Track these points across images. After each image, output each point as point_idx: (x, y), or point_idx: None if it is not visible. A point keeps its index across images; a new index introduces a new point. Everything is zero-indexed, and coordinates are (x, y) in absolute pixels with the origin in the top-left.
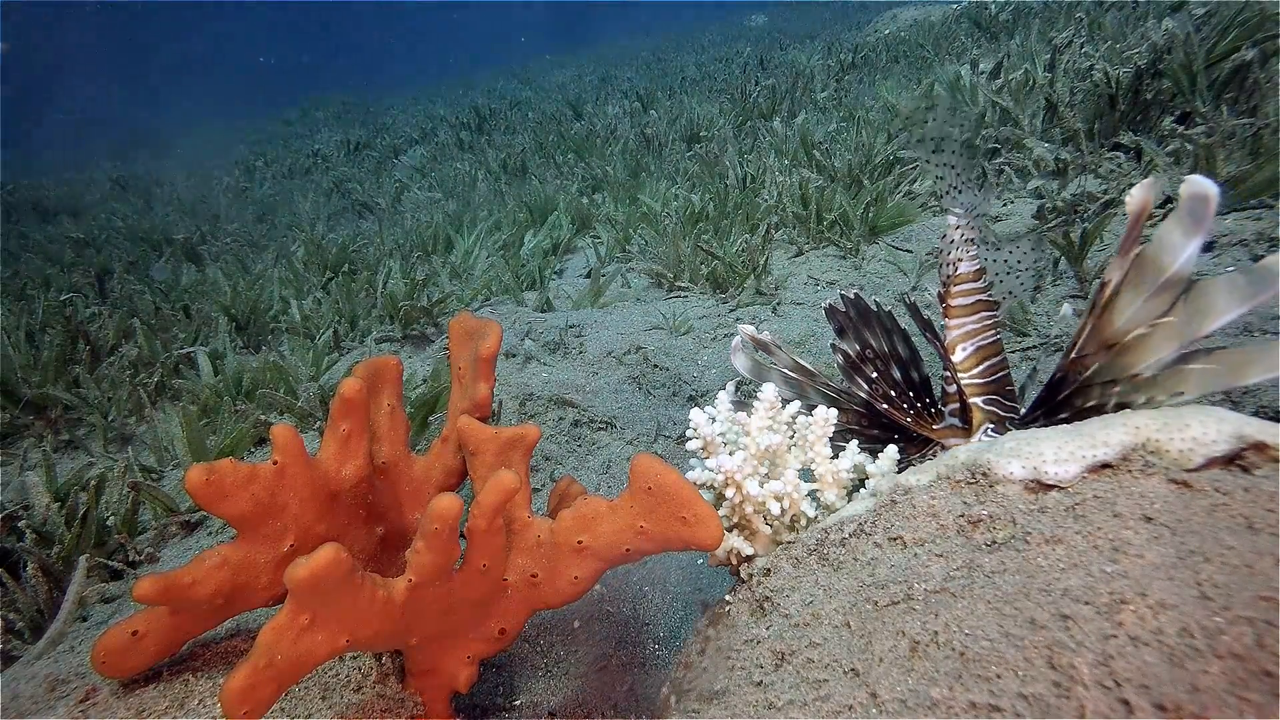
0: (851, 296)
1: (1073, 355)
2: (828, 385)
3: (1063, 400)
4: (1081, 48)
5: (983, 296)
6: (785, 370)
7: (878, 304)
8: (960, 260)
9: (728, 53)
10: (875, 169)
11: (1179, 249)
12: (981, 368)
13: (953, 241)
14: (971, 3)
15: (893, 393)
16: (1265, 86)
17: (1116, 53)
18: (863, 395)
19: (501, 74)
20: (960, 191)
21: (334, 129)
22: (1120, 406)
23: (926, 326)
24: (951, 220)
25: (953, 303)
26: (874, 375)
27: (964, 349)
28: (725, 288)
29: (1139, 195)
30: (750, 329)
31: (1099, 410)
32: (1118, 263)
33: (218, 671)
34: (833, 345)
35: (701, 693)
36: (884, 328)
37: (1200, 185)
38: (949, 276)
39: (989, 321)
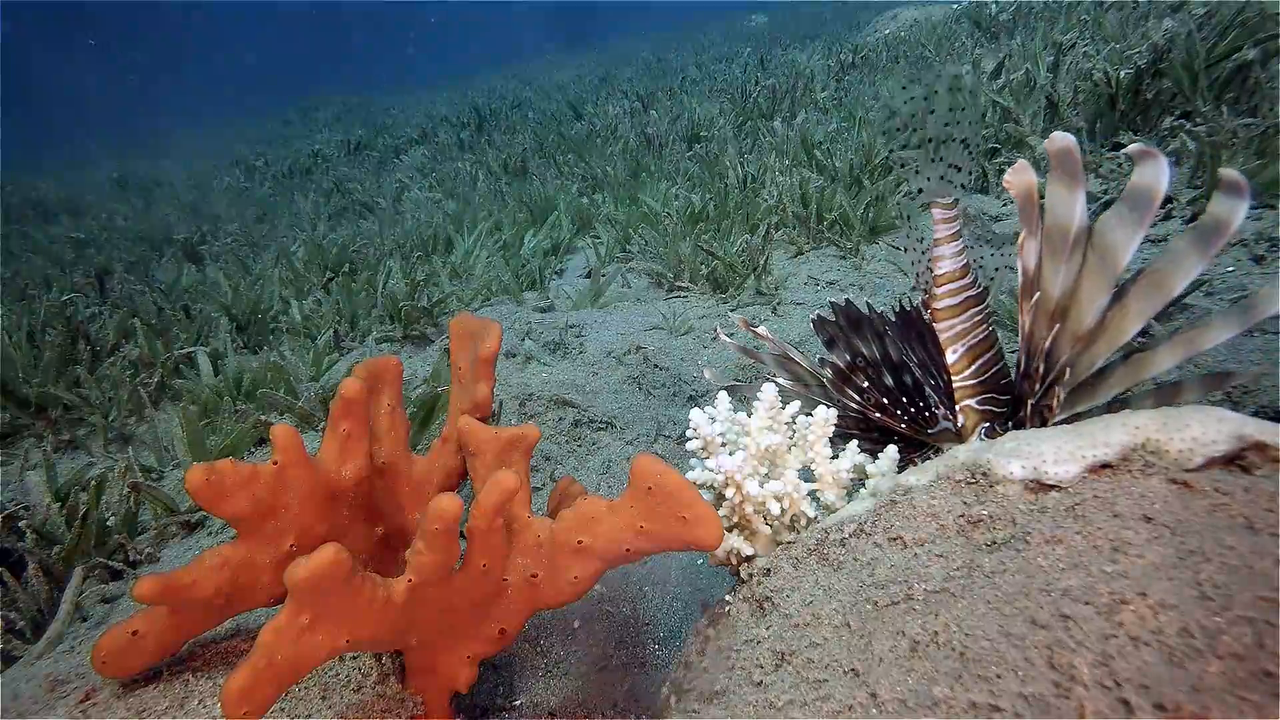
0: (842, 303)
1: (1027, 337)
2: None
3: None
4: (1083, 48)
5: (971, 293)
6: (773, 354)
7: (869, 306)
8: (944, 258)
9: (728, 53)
10: (875, 169)
11: (1069, 204)
12: (974, 367)
13: (937, 240)
14: (972, 3)
15: (885, 400)
16: (1266, 87)
17: (1117, 53)
18: (855, 407)
19: (502, 74)
20: (940, 185)
21: (334, 129)
22: (1110, 396)
23: (923, 335)
24: (936, 214)
25: (939, 305)
26: (865, 385)
27: (955, 351)
28: (725, 288)
29: (1021, 177)
30: (738, 318)
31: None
32: (1027, 244)
33: (218, 671)
34: (821, 359)
35: (701, 693)
36: (875, 332)
37: (1059, 141)
38: (934, 276)
39: (979, 318)
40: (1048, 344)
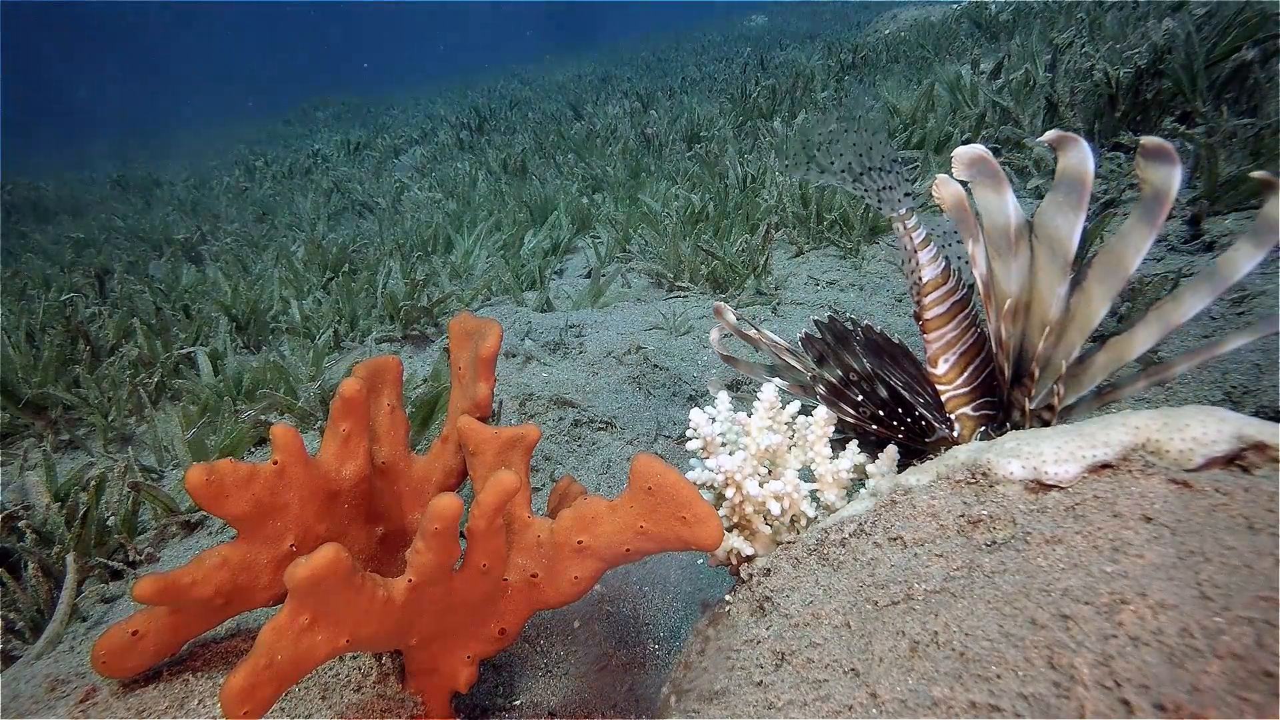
0: (825, 320)
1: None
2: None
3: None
4: (1082, 48)
5: (956, 297)
6: (766, 361)
7: (853, 321)
8: (924, 265)
9: (728, 53)
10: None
11: (999, 205)
12: (966, 374)
13: (910, 249)
14: (971, 3)
15: (881, 412)
16: (1265, 87)
17: (1117, 53)
18: (850, 420)
19: (502, 74)
20: (895, 193)
21: (334, 129)
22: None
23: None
24: (897, 228)
25: (929, 315)
26: (859, 398)
27: (946, 360)
28: (725, 288)
29: (946, 190)
30: (728, 311)
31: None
32: (976, 253)
33: (218, 671)
34: (812, 376)
35: (701, 693)
36: (864, 345)
37: (966, 153)
38: (916, 287)
39: (966, 322)
40: (1040, 348)
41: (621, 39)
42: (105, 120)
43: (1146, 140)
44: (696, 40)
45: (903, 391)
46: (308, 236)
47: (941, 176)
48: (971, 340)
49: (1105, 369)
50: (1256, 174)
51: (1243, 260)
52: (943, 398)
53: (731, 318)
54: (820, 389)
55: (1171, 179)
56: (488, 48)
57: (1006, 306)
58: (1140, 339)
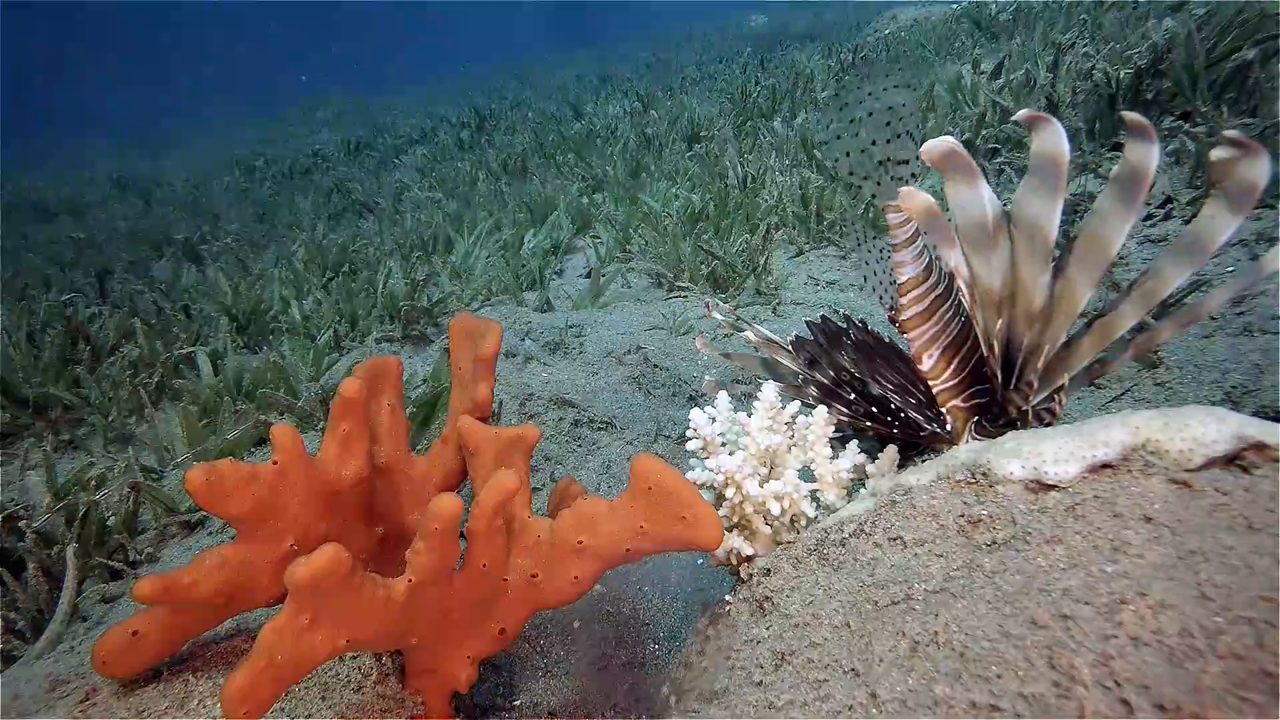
0: (818, 322)
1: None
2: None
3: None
4: (1083, 48)
5: (937, 292)
6: (760, 358)
7: (848, 319)
8: (905, 264)
9: (728, 53)
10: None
11: (973, 198)
12: (953, 366)
13: (895, 245)
14: (972, 2)
15: (874, 409)
16: (1266, 87)
17: (1117, 53)
18: (844, 419)
19: (502, 74)
20: (890, 186)
21: (334, 129)
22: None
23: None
24: (892, 218)
25: (907, 314)
26: (852, 397)
27: (930, 356)
28: (725, 288)
29: (913, 200)
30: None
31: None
32: (953, 257)
33: (218, 671)
34: (803, 379)
35: (701, 692)
36: (855, 344)
37: (936, 146)
38: (898, 286)
39: (949, 314)
40: (1026, 342)
41: (621, 39)
42: (105, 120)
43: (1129, 116)
44: (696, 40)
45: (891, 393)
46: (308, 236)
47: (906, 189)
48: (956, 331)
49: (1093, 350)
50: (1227, 133)
51: (1219, 226)
52: (933, 392)
53: (720, 316)
54: (811, 391)
55: (1149, 156)
56: (487, 48)
57: (981, 318)
58: (1126, 318)
